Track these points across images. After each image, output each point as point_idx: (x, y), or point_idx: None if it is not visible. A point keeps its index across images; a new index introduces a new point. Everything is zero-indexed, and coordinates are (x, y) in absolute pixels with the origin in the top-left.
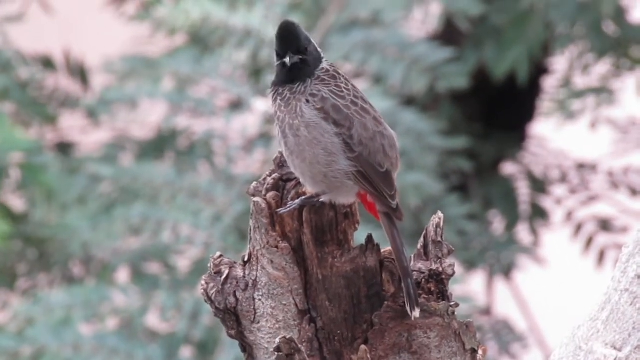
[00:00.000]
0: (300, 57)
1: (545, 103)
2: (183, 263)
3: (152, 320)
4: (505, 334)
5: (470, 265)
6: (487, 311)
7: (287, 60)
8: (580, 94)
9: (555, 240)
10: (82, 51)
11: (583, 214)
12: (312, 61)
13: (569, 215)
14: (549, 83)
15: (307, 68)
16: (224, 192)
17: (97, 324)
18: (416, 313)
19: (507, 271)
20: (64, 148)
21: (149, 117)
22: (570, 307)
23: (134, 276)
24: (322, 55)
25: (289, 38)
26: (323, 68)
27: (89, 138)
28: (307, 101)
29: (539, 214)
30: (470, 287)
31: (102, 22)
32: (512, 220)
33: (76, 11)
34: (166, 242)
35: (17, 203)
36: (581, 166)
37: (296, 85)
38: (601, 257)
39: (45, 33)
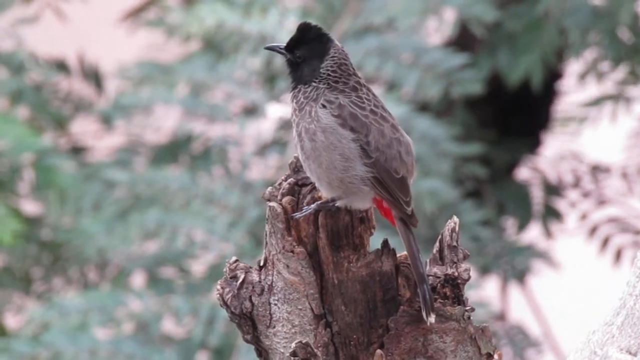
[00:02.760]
0: (298, 53)
1: (560, 110)
2: (198, 268)
3: (168, 325)
4: (520, 340)
5: (485, 270)
6: (501, 316)
7: (287, 54)
8: (596, 102)
9: (570, 245)
10: (96, 59)
11: (597, 216)
12: (308, 64)
13: (584, 217)
14: (564, 90)
15: (300, 73)
16: (239, 198)
17: (113, 328)
18: (432, 319)
19: (521, 276)
20: (77, 152)
21: (163, 122)
22: (585, 312)
23: (149, 281)
24: (347, 61)
25: (301, 35)
26: (338, 80)
27: (102, 143)
28: (324, 106)
29: (553, 216)
30: (484, 292)
31: (117, 30)
32: (525, 225)
33: (91, 19)
34: (181, 247)
35: (31, 207)
36: (595, 168)
37: (310, 90)
38: (618, 256)
39: (60, 40)
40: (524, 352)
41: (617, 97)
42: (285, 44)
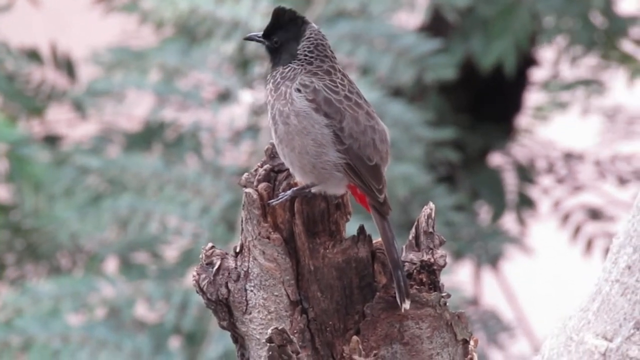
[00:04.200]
0: (275, 39)
1: (533, 96)
2: (171, 254)
3: (140, 310)
4: (493, 324)
5: (458, 255)
6: (474, 301)
7: (264, 39)
8: (569, 87)
9: (543, 230)
10: (69, 44)
11: (570, 203)
12: (285, 49)
13: (556, 205)
14: (537, 75)
15: (278, 58)
16: (212, 184)
17: (86, 314)
18: (406, 305)
19: (494, 261)
20: (52, 141)
21: (136, 109)
22: (557, 297)
23: (122, 267)
24: (325, 42)
25: (276, 20)
26: (316, 63)
27: (76, 131)
28: (298, 90)
29: (526, 204)
30: (457, 277)
31: (89, 16)
32: (499, 210)
33: (63, 5)
34: (154, 233)
35: (4, 194)
36: (568, 156)
37: (287, 70)
38: (589, 245)
39: (33, 26)
40: (497, 336)
41: (589, 82)
42: (262, 32)
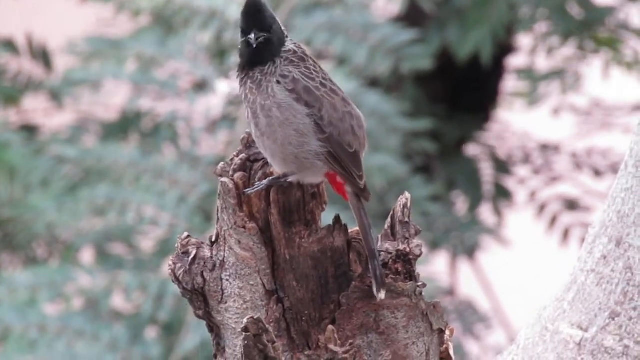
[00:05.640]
0: (265, 35)
1: (509, 84)
2: (147, 244)
3: (117, 301)
4: (469, 315)
5: (434, 245)
6: (450, 292)
7: (251, 37)
8: (544, 77)
9: (519, 221)
10: (44, 34)
11: (547, 194)
12: (277, 41)
13: (533, 195)
14: (513, 64)
15: (272, 47)
16: (188, 173)
17: (62, 304)
18: (382, 295)
19: (470, 252)
20: (28, 130)
21: (112, 98)
22: (533, 287)
23: (98, 257)
24: (287, 34)
25: (254, 15)
26: (290, 49)
27: (53, 121)
28: (278, 82)
29: (502, 195)
30: (433, 267)
31: (65, 5)
32: (475, 201)
33: None
34: (130, 223)
35: None
36: (545, 147)
37: (267, 67)
38: (565, 235)
39: (8, 16)
40: (473, 327)
41: (564, 73)
42: (259, 29)
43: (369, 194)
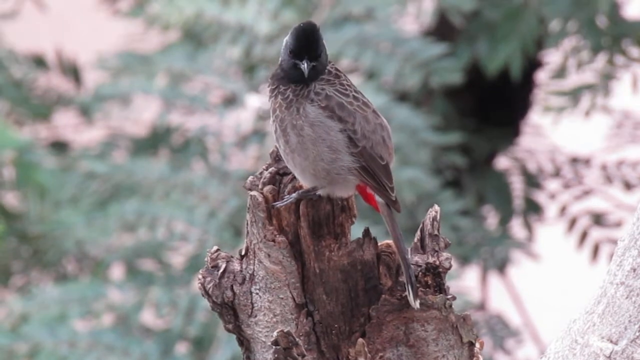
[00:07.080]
0: (314, 64)
1: (540, 98)
2: (177, 259)
3: (147, 316)
4: (500, 329)
5: (464, 260)
6: (481, 306)
7: (304, 66)
8: (575, 92)
9: (549, 235)
10: (74, 49)
11: (577, 208)
12: (322, 68)
13: (563, 210)
14: (543, 78)
15: (316, 74)
16: (218, 188)
17: (92, 320)
18: (417, 304)
19: (501, 266)
20: (58, 147)
21: (142, 114)
22: (564, 302)
23: (128, 273)
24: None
25: (310, 42)
26: (326, 70)
27: (83, 136)
28: (312, 100)
29: (532, 209)
30: (464, 282)
31: (95, 20)
32: (505, 215)
33: (69, 9)
34: (160, 238)
35: (11, 201)
36: (575, 160)
37: (300, 88)
38: (595, 251)
39: (38, 31)
40: (504, 341)
41: (595, 87)
42: (311, 57)
43: (399, 205)
